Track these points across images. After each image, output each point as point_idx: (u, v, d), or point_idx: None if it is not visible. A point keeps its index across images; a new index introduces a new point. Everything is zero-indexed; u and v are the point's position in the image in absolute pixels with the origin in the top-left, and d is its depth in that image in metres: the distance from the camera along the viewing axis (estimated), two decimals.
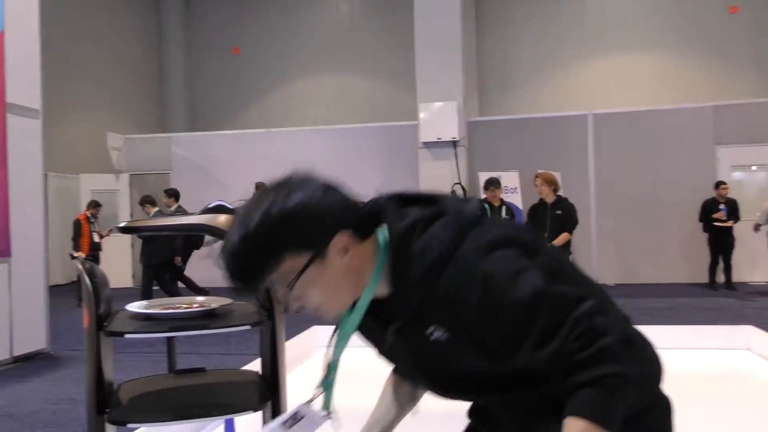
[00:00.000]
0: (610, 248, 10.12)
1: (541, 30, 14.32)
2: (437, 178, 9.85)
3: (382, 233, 1.05)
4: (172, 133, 13.66)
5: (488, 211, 5.80)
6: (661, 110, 10.52)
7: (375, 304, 1.05)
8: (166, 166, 11.84)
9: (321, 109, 15.29)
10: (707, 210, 8.98)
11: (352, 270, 1.01)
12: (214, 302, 1.75)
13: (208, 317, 1.61)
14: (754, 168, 10.09)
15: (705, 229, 9.03)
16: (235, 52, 15.72)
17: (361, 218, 1.06)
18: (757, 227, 8.58)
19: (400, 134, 10.87)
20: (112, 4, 14.43)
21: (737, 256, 9.11)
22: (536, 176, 5.91)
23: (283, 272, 0.97)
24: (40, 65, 5.82)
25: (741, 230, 8.98)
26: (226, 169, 11.43)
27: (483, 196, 5.99)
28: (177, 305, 1.74)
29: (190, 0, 15.99)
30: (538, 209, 5.83)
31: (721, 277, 9.12)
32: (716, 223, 8.85)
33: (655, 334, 3.82)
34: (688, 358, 3.81)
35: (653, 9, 13.80)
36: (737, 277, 9.31)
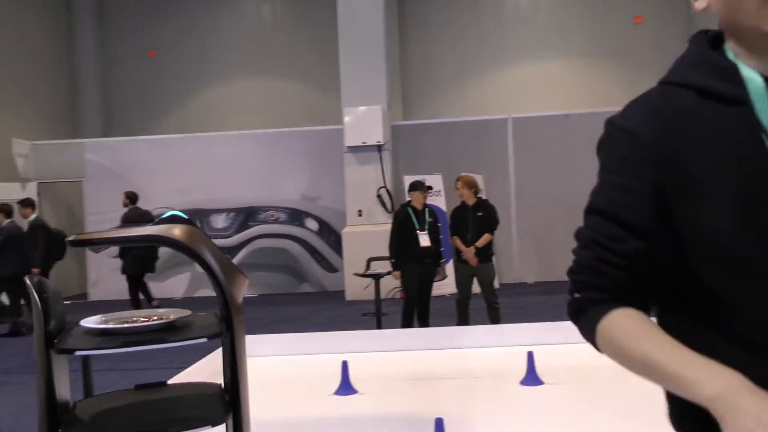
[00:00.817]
0: (530, 247, 10.54)
1: (462, 35, 14.72)
2: (363, 182, 9.94)
3: None
4: (85, 138, 13.04)
5: (411, 214, 5.91)
6: (574, 114, 11.08)
7: None
8: (78, 173, 11.30)
9: (244, 113, 15.03)
10: None
11: None
12: (173, 314, 1.71)
13: (165, 330, 1.59)
14: None
15: None
16: (152, 54, 15.19)
17: None
18: None
19: (326, 139, 10.88)
20: (17, 1, 13.62)
21: None
22: (457, 180, 6.09)
23: None
24: None
25: None
26: (143, 175, 11.03)
27: (408, 199, 6.09)
28: (134, 319, 1.70)
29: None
30: (460, 212, 5.99)
31: None
32: None
33: (568, 330, 4.01)
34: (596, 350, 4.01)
35: (565, 17, 14.48)
36: None
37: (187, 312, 1.73)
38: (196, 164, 11.06)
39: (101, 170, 11.21)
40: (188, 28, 15.19)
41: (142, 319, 1.65)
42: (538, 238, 10.50)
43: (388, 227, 9.30)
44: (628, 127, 0.86)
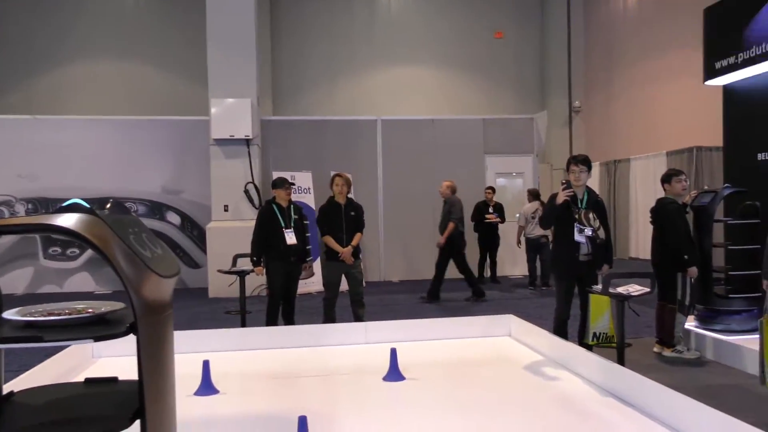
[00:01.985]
0: (396, 247, 10.81)
1: (335, 36, 14.77)
2: (230, 176, 9.64)
3: None
4: None
5: (276, 212, 5.82)
6: (440, 120, 11.52)
7: None
8: None
9: (100, 97, 14.00)
10: (478, 211, 10.04)
11: None
12: (105, 307, 1.62)
13: (88, 324, 1.46)
14: (514, 175, 11.52)
15: (475, 229, 10.08)
16: None
17: None
18: (521, 230, 9.80)
19: (191, 130, 10.44)
20: None
21: (501, 253, 10.35)
22: (338, 176, 6.05)
23: None
24: None
25: (505, 230, 10.21)
26: None
27: (273, 194, 5.99)
28: (60, 311, 1.58)
29: None
30: (332, 210, 5.98)
31: (487, 272, 10.28)
32: (487, 220, 9.94)
33: (429, 327, 4.16)
34: (456, 346, 4.21)
35: (432, 29, 15.02)
36: (501, 271, 10.60)
37: (120, 305, 1.65)
38: (42, 148, 10.12)
39: None
40: (43, 3, 13.87)
41: (66, 312, 1.54)
42: (403, 239, 10.79)
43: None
44: None
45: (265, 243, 5.77)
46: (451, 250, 8.28)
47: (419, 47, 14.97)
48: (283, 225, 5.78)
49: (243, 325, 5.84)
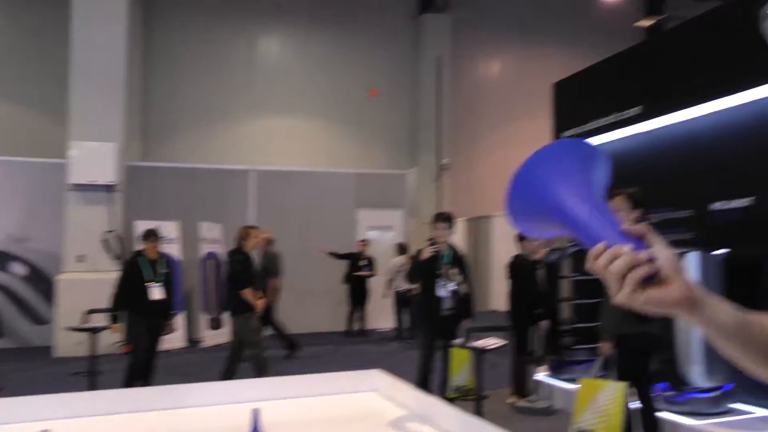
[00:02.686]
0: None
1: (212, 81, 14.55)
2: (87, 224, 9.01)
3: None
4: None
5: (144, 265, 5.54)
6: (314, 172, 11.63)
7: None
8: None
9: None
10: (351, 264, 10.14)
11: None
12: None
13: None
14: (385, 229, 11.81)
15: (345, 281, 10.15)
16: None
17: None
18: (390, 283, 10.00)
19: (43, 172, 9.70)
20: None
21: (370, 306, 10.47)
22: (252, 228, 5.98)
23: None
24: None
25: (374, 283, 10.37)
26: None
27: (141, 246, 5.69)
28: None
29: None
30: (249, 261, 5.91)
31: (356, 325, 10.32)
32: (357, 273, 10.04)
33: (293, 384, 4.09)
34: (322, 404, 4.17)
35: (311, 81, 15.29)
36: (370, 324, 10.68)
37: None
38: None
39: None
40: None
41: None
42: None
43: (115, 275, 8.53)
44: None
45: (128, 297, 5.44)
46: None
47: (297, 98, 15.13)
48: (148, 279, 5.50)
49: (92, 387, 5.39)
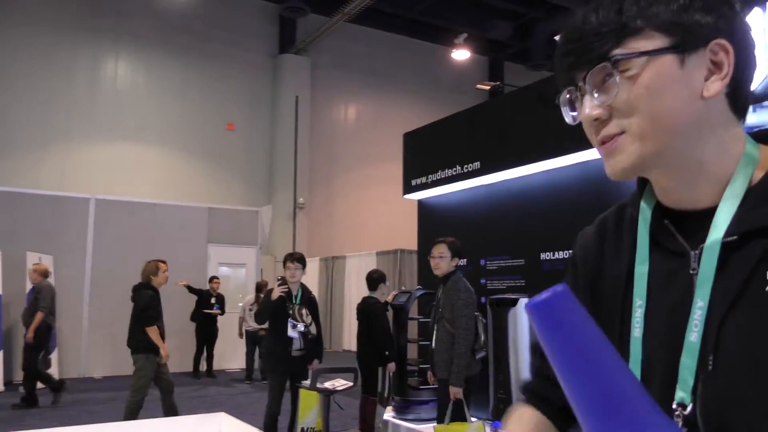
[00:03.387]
0: (99, 338, 9.75)
1: (51, 99, 13.45)
2: None
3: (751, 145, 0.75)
4: None
5: None
6: (164, 204, 11.09)
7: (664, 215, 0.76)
8: None
9: None
10: (200, 302, 9.72)
11: (698, 115, 0.70)
12: None
13: None
14: (237, 265, 11.52)
15: (193, 319, 9.70)
16: None
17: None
18: (241, 321, 9.72)
19: None
20: None
21: (219, 346, 10.07)
22: (162, 262, 5.61)
23: (625, 48, 0.70)
24: None
25: (224, 321, 10.02)
26: None
27: None
28: None
29: None
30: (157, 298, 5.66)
31: (204, 366, 9.87)
32: (207, 311, 9.65)
33: (136, 429, 3.83)
34: None
35: (162, 110, 14.69)
36: (218, 365, 10.25)
37: None
38: None
39: None
40: None
41: None
42: (110, 329, 9.83)
43: None
44: (581, 233, 0.91)
45: None
46: (39, 343, 7.25)
47: (147, 127, 14.43)
48: None
49: None
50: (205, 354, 9.85)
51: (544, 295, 0.59)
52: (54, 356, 8.63)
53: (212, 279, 10.06)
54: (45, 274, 7.59)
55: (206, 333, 9.74)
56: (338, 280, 14.26)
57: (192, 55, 14.95)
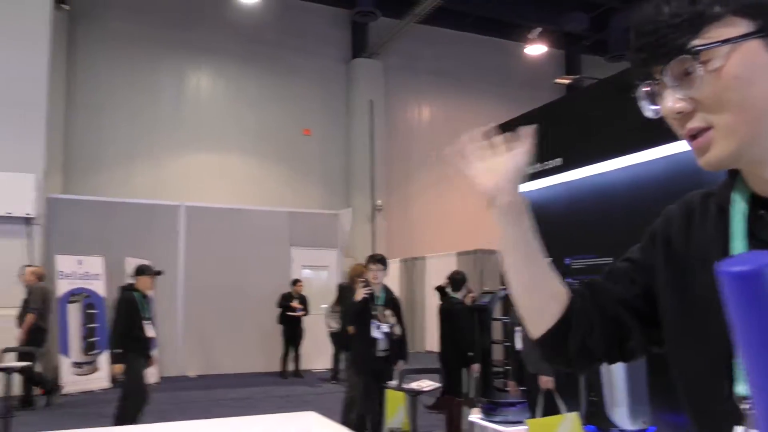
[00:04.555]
0: (195, 339, 10.24)
1: (139, 114, 14.24)
2: (3, 257, 8.54)
3: None
4: None
5: (140, 301, 5.37)
6: (248, 210, 11.50)
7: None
8: None
9: None
10: (284, 303, 10.02)
11: None
12: None
13: None
14: (319, 267, 11.77)
15: (280, 321, 10.00)
16: None
17: None
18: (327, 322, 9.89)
19: None
20: None
21: (305, 346, 10.33)
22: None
23: (704, 38, 0.67)
24: None
25: (310, 322, 10.26)
26: None
27: (131, 281, 5.50)
28: None
29: None
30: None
31: (291, 366, 10.15)
32: (290, 314, 9.93)
33: (228, 426, 3.97)
34: None
35: (242, 119, 15.22)
36: (305, 365, 10.51)
37: None
38: None
39: None
40: None
41: None
42: (203, 330, 10.29)
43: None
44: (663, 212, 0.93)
45: (129, 335, 5.24)
46: (34, 344, 7.27)
47: (227, 136, 14.99)
48: (144, 315, 5.38)
49: (6, 431, 5.06)
50: (292, 354, 10.13)
51: (748, 264, 0.55)
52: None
53: (296, 281, 10.33)
54: (41, 277, 7.82)
55: (292, 334, 10.01)
56: (418, 281, 14.29)
57: (267, 64, 15.41)
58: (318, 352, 10.76)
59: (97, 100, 13.88)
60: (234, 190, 14.56)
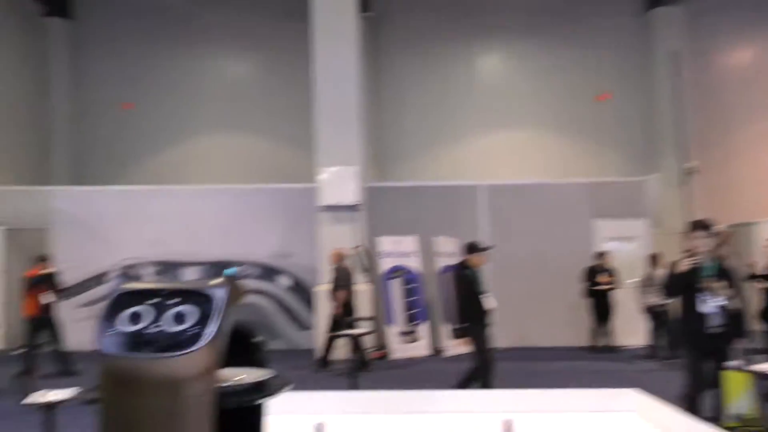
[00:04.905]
0: (503, 312, 10.49)
1: (435, 105, 15.15)
2: (338, 241, 9.89)
3: None
4: (54, 186, 12.81)
5: (476, 276, 5.98)
6: (544, 184, 11.36)
7: None
8: (44, 220, 11.02)
9: (216, 168, 15.01)
10: (591, 276, 9.68)
11: None
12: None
13: None
14: (625, 240, 11.05)
15: (588, 295, 9.69)
16: (127, 106, 15.12)
17: None
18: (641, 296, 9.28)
19: (299, 197, 10.89)
20: None
21: (617, 321, 9.83)
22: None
23: None
24: None
25: (620, 296, 9.74)
26: (112, 225, 10.85)
27: (462, 259, 6.18)
28: None
29: (78, 49, 15.34)
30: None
31: (601, 341, 9.77)
32: (600, 287, 9.55)
33: (543, 398, 3.90)
34: (576, 421, 3.94)
35: (531, 92, 15.06)
36: (618, 340, 9.99)
37: None
38: (167, 216, 10.92)
39: (69, 218, 10.96)
40: (164, 82, 15.27)
41: None
42: (510, 305, 10.50)
43: (363, 287, 9.27)
44: None
45: (469, 310, 5.88)
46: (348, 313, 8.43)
47: (520, 111, 15.02)
48: (481, 289, 5.98)
49: (353, 387, 5.89)
50: (602, 329, 9.75)
51: None
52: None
53: (602, 254, 9.89)
54: (343, 258, 8.92)
55: (601, 308, 9.63)
56: (744, 252, 12.44)
57: (555, 32, 14.95)
58: (631, 328, 10.14)
59: (399, 95, 15.17)
60: (529, 165, 14.54)
